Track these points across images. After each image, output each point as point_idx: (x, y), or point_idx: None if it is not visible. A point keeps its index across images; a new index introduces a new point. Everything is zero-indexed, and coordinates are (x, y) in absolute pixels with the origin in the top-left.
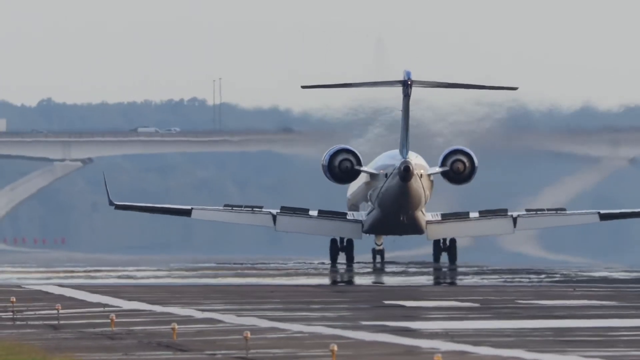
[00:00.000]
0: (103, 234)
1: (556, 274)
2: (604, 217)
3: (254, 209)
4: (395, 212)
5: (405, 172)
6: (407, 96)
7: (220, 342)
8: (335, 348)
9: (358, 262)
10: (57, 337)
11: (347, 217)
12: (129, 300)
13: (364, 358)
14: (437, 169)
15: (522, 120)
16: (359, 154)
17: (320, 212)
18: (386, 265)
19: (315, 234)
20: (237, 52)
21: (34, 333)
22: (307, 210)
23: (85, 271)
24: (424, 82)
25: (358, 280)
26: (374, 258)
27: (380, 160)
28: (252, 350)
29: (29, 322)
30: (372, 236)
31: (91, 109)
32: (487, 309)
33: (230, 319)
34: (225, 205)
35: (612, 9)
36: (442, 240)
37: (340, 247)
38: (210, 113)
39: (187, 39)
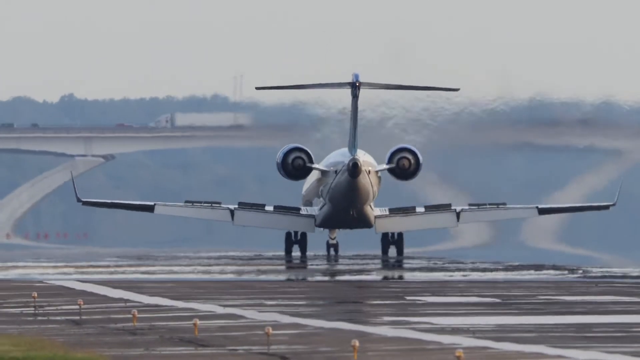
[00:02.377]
0: (124, 230)
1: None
2: (542, 211)
3: (213, 205)
4: (345, 207)
5: (354, 169)
6: (355, 97)
7: (241, 337)
8: (357, 344)
9: (315, 255)
10: (78, 333)
11: (301, 212)
12: (151, 295)
13: (385, 354)
14: (385, 166)
15: (544, 113)
16: (310, 152)
17: (275, 207)
18: (339, 259)
19: (271, 228)
20: (259, 49)
21: (56, 328)
22: (264, 205)
23: (107, 266)
24: (372, 84)
25: (367, 276)
26: (328, 251)
27: (331, 157)
28: (273, 346)
29: (51, 318)
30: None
31: (113, 105)
32: (509, 305)
33: (252, 314)
34: (186, 202)
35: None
36: (390, 234)
37: (295, 240)
38: (232, 109)
39: (208, 35)
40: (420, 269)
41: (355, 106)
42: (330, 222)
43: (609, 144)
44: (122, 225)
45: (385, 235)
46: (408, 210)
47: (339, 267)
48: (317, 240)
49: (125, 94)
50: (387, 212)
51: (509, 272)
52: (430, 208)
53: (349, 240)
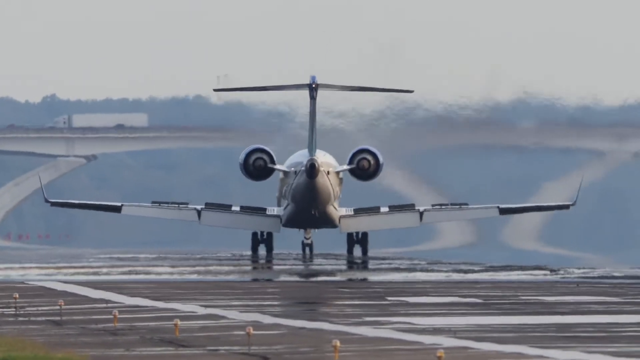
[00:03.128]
0: (107, 231)
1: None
2: (503, 211)
3: (180, 205)
4: (306, 206)
5: (311, 169)
6: (313, 99)
7: (222, 337)
8: (338, 344)
9: (290, 253)
10: (59, 333)
11: (267, 212)
12: (132, 296)
13: (367, 354)
14: (345, 167)
15: (528, 113)
16: (272, 153)
17: (242, 207)
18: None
19: (237, 228)
20: (242, 49)
21: (37, 329)
22: (230, 206)
23: (88, 267)
24: (329, 85)
25: (352, 275)
26: (304, 251)
27: (292, 158)
28: (254, 346)
29: (32, 318)
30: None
31: (95, 105)
32: (489, 305)
33: (233, 314)
34: (152, 202)
35: (617, 2)
36: (355, 234)
37: (261, 240)
38: (215, 109)
39: (191, 35)
40: (400, 269)
41: (313, 108)
42: (294, 221)
43: (591, 145)
44: (104, 226)
45: (350, 235)
46: (372, 210)
47: (312, 267)
48: (297, 239)
49: (108, 95)
50: (352, 212)
51: (490, 273)
52: (394, 208)
53: (316, 239)
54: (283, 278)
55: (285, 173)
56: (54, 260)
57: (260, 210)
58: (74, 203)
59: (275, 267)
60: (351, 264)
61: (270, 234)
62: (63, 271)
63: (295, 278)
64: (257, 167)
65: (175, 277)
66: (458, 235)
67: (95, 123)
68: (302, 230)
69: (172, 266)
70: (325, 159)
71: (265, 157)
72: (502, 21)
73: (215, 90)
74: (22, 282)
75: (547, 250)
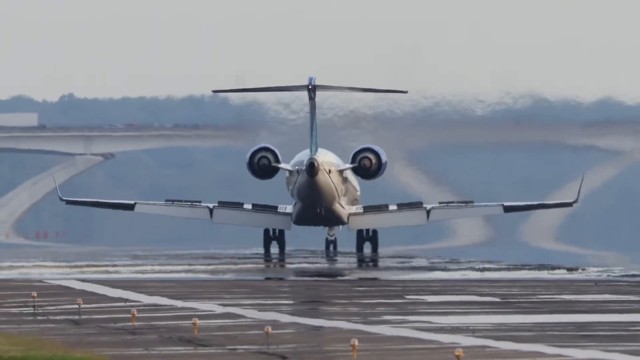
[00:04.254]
0: (125, 229)
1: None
2: (507, 209)
3: (193, 203)
4: (311, 204)
5: (311, 168)
6: (311, 99)
7: (241, 337)
8: (357, 343)
9: (313, 251)
10: (78, 332)
11: (278, 210)
12: (150, 295)
13: (385, 353)
14: (347, 165)
15: (544, 112)
16: (277, 152)
17: (254, 205)
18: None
19: (249, 226)
20: (259, 48)
21: (55, 328)
22: (242, 204)
23: (106, 266)
24: (326, 86)
25: (370, 274)
26: (327, 248)
27: (297, 157)
28: (272, 345)
29: (50, 317)
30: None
31: (113, 103)
32: (508, 304)
33: (252, 313)
34: (166, 200)
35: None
36: (365, 231)
37: (273, 237)
38: (232, 108)
39: (209, 34)
40: (420, 268)
41: (312, 107)
42: (302, 219)
43: (608, 143)
44: (122, 224)
45: (360, 232)
46: (381, 208)
47: (323, 264)
48: (322, 236)
49: (125, 93)
50: (362, 210)
51: (508, 271)
52: (402, 206)
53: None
54: (297, 277)
55: (291, 172)
56: (72, 259)
57: (271, 208)
58: (87, 201)
59: (287, 265)
60: (360, 262)
61: (282, 232)
62: (81, 270)
63: (308, 277)
64: (262, 166)
65: (193, 275)
66: (474, 233)
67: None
68: (325, 228)
69: (190, 264)
70: (326, 158)
71: (269, 156)
72: (517, 19)
73: (214, 91)
74: (41, 281)
75: (564, 249)
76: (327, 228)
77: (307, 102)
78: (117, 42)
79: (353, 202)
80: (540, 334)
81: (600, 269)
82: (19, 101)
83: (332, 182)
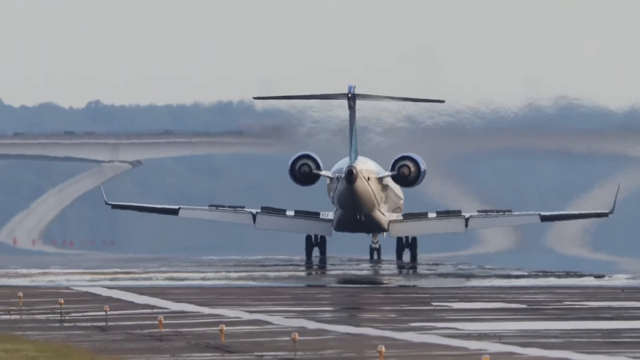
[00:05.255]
0: (151, 236)
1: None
2: (544, 218)
3: (237, 209)
4: (350, 211)
5: (349, 175)
6: (351, 108)
7: (268, 343)
8: (383, 349)
9: (357, 260)
10: (105, 339)
11: (320, 217)
12: (177, 301)
13: (412, 359)
14: (387, 173)
15: (571, 119)
16: (318, 159)
17: (296, 212)
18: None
19: (291, 232)
20: (286, 53)
21: (82, 334)
22: (285, 210)
23: (133, 272)
24: (366, 95)
25: (394, 281)
26: (371, 255)
27: (337, 165)
28: (299, 352)
29: (77, 324)
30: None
31: (140, 110)
32: (534, 310)
33: (278, 320)
34: (210, 206)
35: None
36: (404, 238)
37: (315, 243)
38: (259, 115)
39: (233, 40)
40: (446, 275)
41: (352, 116)
42: (342, 226)
43: (637, 152)
44: (148, 231)
45: (400, 240)
46: (420, 216)
47: (356, 272)
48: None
49: (152, 100)
50: (402, 218)
51: (534, 278)
52: (442, 214)
53: (361, 244)
54: (330, 283)
55: (331, 179)
56: (99, 266)
57: (313, 215)
58: (132, 205)
59: (327, 272)
60: (401, 269)
61: (323, 238)
62: (108, 276)
63: (341, 283)
64: (303, 173)
65: (221, 282)
66: (501, 240)
67: None
68: (368, 234)
69: (217, 271)
70: (366, 166)
71: (310, 163)
72: (544, 24)
73: (255, 98)
74: (67, 288)
75: (591, 256)
76: (371, 235)
77: (340, 109)
78: (143, 49)
79: (395, 209)
80: (568, 340)
81: (627, 275)
82: (46, 108)
83: (371, 189)
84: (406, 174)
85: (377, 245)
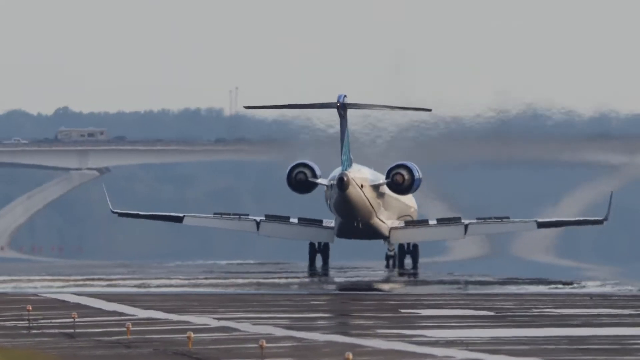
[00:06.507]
0: (120, 243)
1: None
2: (540, 225)
3: (241, 216)
4: (346, 218)
5: (340, 183)
6: (342, 117)
7: (235, 350)
8: (351, 356)
9: (368, 268)
10: (73, 346)
11: (323, 224)
12: (145, 308)
13: None
14: (381, 181)
15: (539, 127)
16: (314, 167)
17: (300, 219)
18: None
19: (294, 239)
20: (253, 62)
21: (50, 341)
22: (288, 217)
23: (101, 280)
24: (355, 104)
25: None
26: (387, 262)
27: (333, 172)
28: (267, 359)
29: (45, 331)
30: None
31: (108, 117)
32: (503, 317)
33: (246, 327)
34: (214, 213)
35: (628, 10)
36: (406, 245)
37: (318, 250)
38: (227, 122)
39: (203, 49)
40: (415, 283)
41: (342, 125)
42: (342, 232)
43: (603, 159)
44: (116, 239)
45: (401, 247)
46: (421, 223)
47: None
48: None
49: (120, 107)
50: (403, 224)
51: (503, 285)
52: (442, 221)
53: (366, 250)
54: (304, 291)
55: (327, 187)
56: (68, 273)
57: (316, 222)
58: (137, 214)
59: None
60: (401, 275)
61: (326, 245)
62: (76, 283)
63: (312, 291)
64: (299, 180)
65: (190, 289)
66: (470, 248)
67: None
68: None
69: (186, 278)
70: (359, 174)
71: (306, 171)
72: (512, 34)
73: (245, 107)
74: (36, 295)
75: (560, 263)
76: (387, 243)
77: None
78: (111, 56)
79: (403, 217)
80: (535, 347)
81: (595, 282)
82: (14, 115)
83: (366, 196)
84: (399, 182)
85: (392, 253)
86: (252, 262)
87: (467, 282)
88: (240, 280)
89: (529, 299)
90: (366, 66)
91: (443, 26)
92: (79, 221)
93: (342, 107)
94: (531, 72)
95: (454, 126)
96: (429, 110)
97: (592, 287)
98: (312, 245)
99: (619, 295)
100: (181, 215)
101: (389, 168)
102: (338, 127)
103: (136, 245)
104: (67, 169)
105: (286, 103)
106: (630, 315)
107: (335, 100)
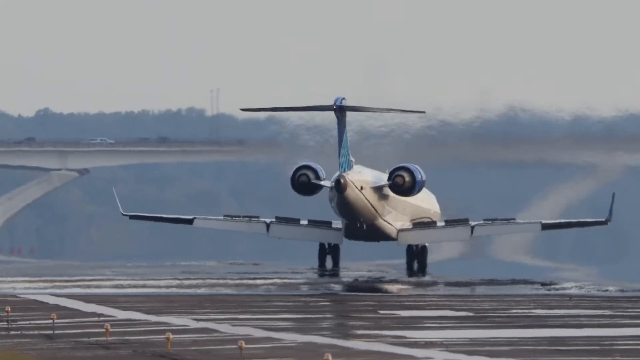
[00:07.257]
0: (99, 244)
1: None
2: (545, 226)
3: (251, 219)
4: (348, 220)
5: (338, 185)
6: (339, 119)
7: (215, 351)
8: (330, 357)
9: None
10: (52, 347)
11: (332, 225)
12: (124, 309)
13: None
14: (383, 183)
15: (519, 129)
16: (317, 169)
17: (309, 221)
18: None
19: (304, 240)
20: (235, 63)
21: (29, 342)
22: (298, 219)
23: (80, 281)
24: (352, 107)
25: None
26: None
27: (336, 174)
28: None
29: (24, 332)
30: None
31: (88, 119)
32: (481, 318)
33: (225, 328)
34: (224, 216)
35: (605, 13)
36: (414, 247)
37: (328, 251)
38: (208, 123)
39: (185, 50)
40: (395, 282)
41: (340, 128)
42: (348, 234)
43: (583, 160)
44: (96, 240)
45: (410, 248)
46: (429, 224)
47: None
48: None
49: (101, 108)
50: (411, 226)
51: (483, 286)
52: (450, 222)
53: (376, 251)
54: (283, 292)
55: (330, 188)
56: (47, 273)
57: (326, 224)
58: (149, 216)
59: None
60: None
61: (336, 246)
62: (55, 284)
63: (296, 292)
64: (301, 182)
65: (169, 290)
66: (450, 248)
67: None
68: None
69: (164, 278)
70: (359, 176)
71: (309, 173)
72: (494, 36)
73: (242, 109)
74: (14, 296)
75: (539, 264)
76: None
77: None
78: (92, 57)
79: (421, 219)
80: (514, 348)
81: (574, 283)
82: None
83: (366, 198)
84: (400, 184)
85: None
86: (231, 262)
87: (474, 286)
88: (221, 281)
89: (507, 299)
90: (345, 68)
91: (422, 27)
92: (59, 222)
93: (339, 110)
94: (512, 72)
95: (438, 127)
96: (423, 112)
97: (571, 288)
98: (322, 246)
99: (598, 296)
100: (191, 217)
101: (390, 170)
102: (323, 129)
103: (115, 246)
104: (47, 170)
105: (277, 106)
106: (609, 316)
107: (332, 103)
